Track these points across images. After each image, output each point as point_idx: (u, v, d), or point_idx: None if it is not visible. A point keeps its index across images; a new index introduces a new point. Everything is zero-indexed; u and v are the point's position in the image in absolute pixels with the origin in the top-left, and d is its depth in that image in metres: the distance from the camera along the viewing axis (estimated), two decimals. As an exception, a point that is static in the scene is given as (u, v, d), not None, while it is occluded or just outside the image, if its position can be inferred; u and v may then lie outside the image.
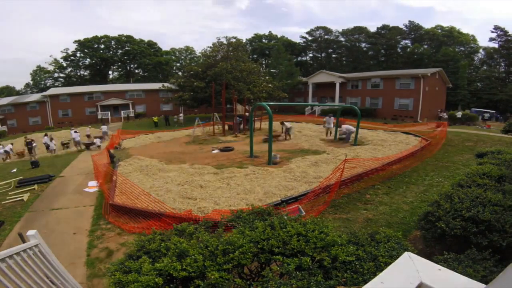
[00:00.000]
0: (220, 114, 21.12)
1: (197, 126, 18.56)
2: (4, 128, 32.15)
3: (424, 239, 3.81)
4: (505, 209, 3.34)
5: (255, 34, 60.96)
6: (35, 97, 36.10)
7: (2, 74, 78.54)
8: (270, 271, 2.07)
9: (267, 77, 31.09)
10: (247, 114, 19.58)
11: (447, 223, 3.34)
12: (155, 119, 28.75)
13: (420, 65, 40.69)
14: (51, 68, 53.92)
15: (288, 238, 2.41)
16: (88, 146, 16.64)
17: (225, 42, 31.73)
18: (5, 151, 16.68)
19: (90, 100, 35.72)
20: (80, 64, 54.54)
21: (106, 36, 53.12)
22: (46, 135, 18.60)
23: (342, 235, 2.65)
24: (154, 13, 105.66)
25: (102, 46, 53.69)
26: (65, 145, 18.91)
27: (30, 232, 2.83)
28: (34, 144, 16.70)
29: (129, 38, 54.39)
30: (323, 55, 59.46)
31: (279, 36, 60.53)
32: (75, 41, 51.37)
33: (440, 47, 45.27)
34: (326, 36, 56.81)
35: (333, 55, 58.47)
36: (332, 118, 15.45)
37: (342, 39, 56.16)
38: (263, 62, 55.14)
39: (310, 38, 57.96)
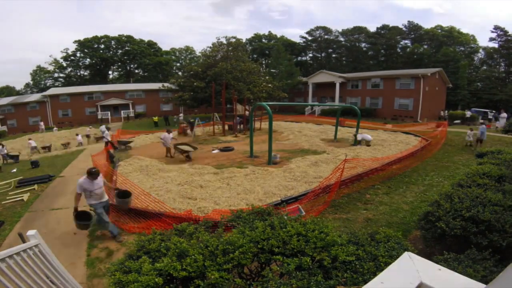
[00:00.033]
0: (220, 114, 21.13)
1: (197, 126, 18.56)
2: (4, 128, 32.14)
3: (424, 239, 3.82)
4: (505, 209, 3.34)
5: (255, 34, 61.00)
6: (35, 97, 36.10)
7: (2, 74, 78.60)
8: (270, 271, 2.07)
9: (267, 77, 31.07)
10: (247, 113, 19.59)
11: (447, 223, 3.34)
12: (155, 119, 28.77)
13: (420, 65, 40.69)
14: (51, 68, 54.01)
15: (288, 238, 2.41)
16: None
17: (224, 42, 31.73)
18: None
19: (90, 100, 35.71)
20: (80, 64, 54.53)
21: (106, 36, 53.12)
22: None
23: (342, 235, 2.65)
24: (155, 14, 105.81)
25: (102, 46, 53.67)
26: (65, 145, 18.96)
27: (30, 232, 2.83)
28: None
29: (129, 38, 54.38)
30: (323, 55, 59.45)
31: (278, 36, 60.61)
32: (75, 41, 51.42)
33: (440, 47, 45.24)
34: (326, 36, 56.80)
35: (333, 55, 58.45)
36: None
37: (342, 39, 56.15)
38: (263, 62, 55.10)
39: (310, 38, 57.94)
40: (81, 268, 4.32)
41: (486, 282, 0.96)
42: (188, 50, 63.38)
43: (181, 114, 30.28)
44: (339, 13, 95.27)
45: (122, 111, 35.54)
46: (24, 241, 3.08)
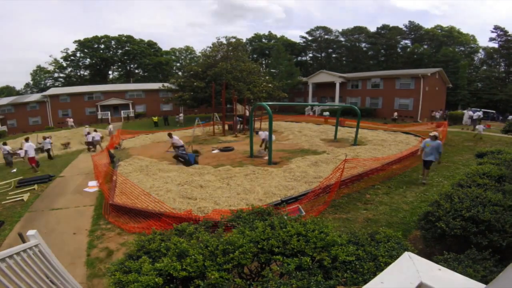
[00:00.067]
0: (220, 114, 21.12)
1: (197, 126, 18.56)
2: (4, 128, 32.14)
3: (424, 239, 3.81)
4: (505, 209, 3.34)
5: (255, 34, 61.03)
6: (35, 97, 36.09)
7: (2, 74, 78.58)
8: (270, 271, 2.07)
9: (267, 77, 31.08)
10: (247, 112, 19.60)
11: (447, 223, 3.34)
12: (155, 119, 28.74)
13: (420, 65, 40.71)
14: (51, 68, 53.97)
15: (288, 238, 2.41)
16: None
17: (224, 42, 31.72)
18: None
19: (90, 100, 35.71)
20: (80, 64, 54.54)
21: (106, 36, 53.13)
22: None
23: (342, 235, 2.64)
24: (157, 16, 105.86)
25: (102, 46, 53.69)
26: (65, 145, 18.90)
27: (30, 232, 2.83)
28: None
29: (129, 38, 54.38)
30: (323, 55, 59.45)
31: (278, 36, 60.61)
32: (75, 41, 51.44)
33: (440, 47, 45.27)
34: (326, 36, 56.83)
35: (333, 55, 58.47)
36: None
37: (342, 39, 56.17)
38: (263, 62, 55.11)
39: (310, 38, 57.97)
40: (81, 268, 4.32)
41: (486, 282, 0.96)
42: (188, 50, 63.41)
43: (181, 114, 30.27)
44: (339, 15, 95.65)
45: (122, 111, 35.55)
46: (24, 241, 3.08)
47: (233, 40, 32.05)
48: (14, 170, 11.93)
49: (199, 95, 26.14)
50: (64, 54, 52.13)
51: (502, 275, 0.87)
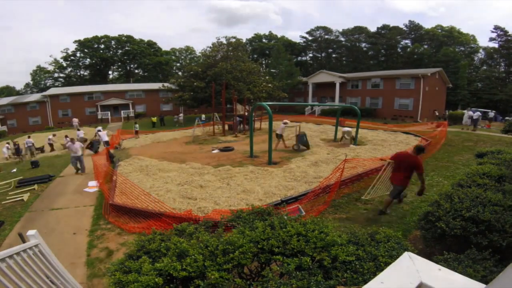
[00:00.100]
0: (220, 114, 21.12)
1: (197, 126, 18.56)
2: (4, 128, 32.15)
3: (424, 239, 3.81)
4: (505, 209, 3.33)
5: (255, 34, 61.00)
6: (35, 97, 36.09)
7: (2, 74, 78.62)
8: (270, 271, 2.07)
9: (267, 77, 31.08)
10: (247, 112, 19.60)
11: (447, 223, 3.34)
12: (154, 119, 28.70)
13: (420, 65, 40.69)
14: (51, 68, 54.03)
15: (288, 238, 2.41)
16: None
17: (224, 42, 31.72)
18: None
19: (90, 100, 35.71)
20: (80, 64, 54.54)
21: (106, 36, 53.13)
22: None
23: (342, 235, 2.64)
24: (157, 16, 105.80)
25: (102, 46, 53.69)
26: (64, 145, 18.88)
27: (30, 232, 2.83)
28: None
29: (129, 38, 54.38)
30: (323, 55, 59.44)
31: (279, 36, 60.60)
32: (75, 41, 51.46)
33: (440, 47, 45.26)
34: (326, 36, 56.80)
35: (333, 55, 58.45)
36: None
37: (342, 39, 56.15)
38: (263, 62, 55.10)
39: (310, 38, 57.95)
40: (81, 268, 4.32)
41: (486, 282, 0.96)
42: (188, 50, 63.38)
43: (181, 114, 30.27)
44: (339, 17, 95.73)
45: (122, 111, 35.54)
46: (24, 241, 3.08)
47: (233, 40, 32.05)
48: (14, 170, 11.94)
49: (199, 95, 26.13)
50: (64, 54, 52.22)
51: (502, 275, 0.87)
